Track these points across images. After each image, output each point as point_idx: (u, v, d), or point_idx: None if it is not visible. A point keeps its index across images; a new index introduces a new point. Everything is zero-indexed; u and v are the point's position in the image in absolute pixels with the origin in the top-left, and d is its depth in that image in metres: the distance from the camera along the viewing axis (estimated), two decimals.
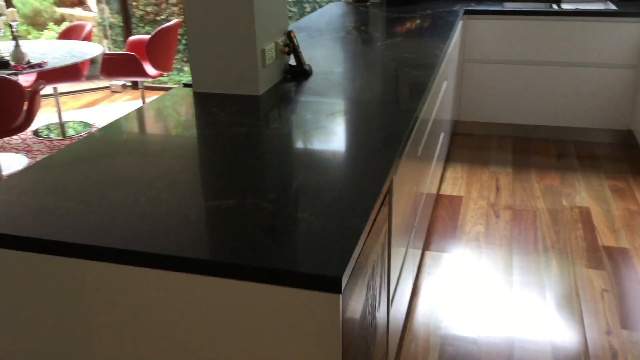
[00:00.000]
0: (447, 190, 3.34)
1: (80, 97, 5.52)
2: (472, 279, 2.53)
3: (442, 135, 3.08)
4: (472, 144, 4.01)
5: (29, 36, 6.32)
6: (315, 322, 1.10)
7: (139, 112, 1.92)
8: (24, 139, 4.39)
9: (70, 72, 4.09)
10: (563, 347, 2.13)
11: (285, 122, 1.78)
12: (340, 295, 1.07)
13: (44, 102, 5.36)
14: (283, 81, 2.21)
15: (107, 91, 5.65)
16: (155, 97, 1.74)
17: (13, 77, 3.13)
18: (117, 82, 5.53)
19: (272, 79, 2.16)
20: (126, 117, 1.87)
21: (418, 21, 3.37)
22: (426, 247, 2.78)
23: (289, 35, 2.22)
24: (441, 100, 2.80)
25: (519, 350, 2.12)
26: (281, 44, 2.18)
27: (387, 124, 1.75)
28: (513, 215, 3.05)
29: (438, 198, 3.25)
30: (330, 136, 1.66)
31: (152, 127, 1.79)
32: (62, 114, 4.84)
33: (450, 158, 3.77)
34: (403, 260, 1.98)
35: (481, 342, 2.16)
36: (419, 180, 2.19)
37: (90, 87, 5.69)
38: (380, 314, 1.61)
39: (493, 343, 2.15)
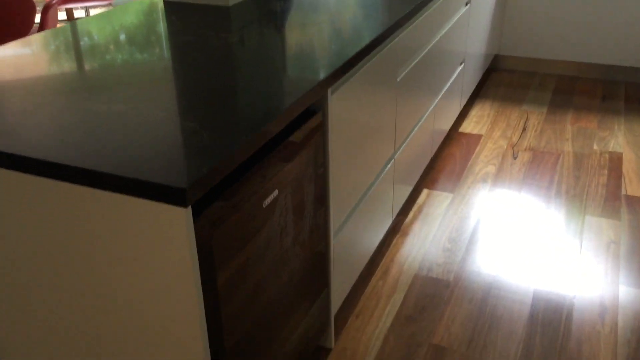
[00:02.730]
0: (467, 128, 3.11)
1: None
2: (466, 222, 2.35)
3: (460, 67, 2.84)
4: (511, 81, 3.70)
5: None
6: (165, 237, 1.01)
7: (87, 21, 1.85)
8: None
9: None
10: (545, 298, 1.95)
11: (240, 34, 1.66)
12: (186, 209, 0.97)
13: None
14: None
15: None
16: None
17: None
18: None
19: None
20: (82, 21, 1.80)
21: None
22: (428, 185, 2.61)
23: None
24: (454, 27, 2.55)
25: (494, 297, 1.96)
26: None
27: (350, 39, 1.59)
28: (532, 157, 2.80)
29: (454, 135, 3.03)
30: (280, 49, 1.53)
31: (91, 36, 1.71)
32: None
33: (480, 95, 3.50)
34: (365, 193, 1.84)
35: (454, 286, 2.01)
36: (403, 110, 2.02)
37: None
38: (317, 244, 1.50)
39: (467, 288, 2.00)
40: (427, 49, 2.21)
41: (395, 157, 2.06)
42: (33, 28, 3.27)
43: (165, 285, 1.06)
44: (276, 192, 1.28)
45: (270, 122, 1.16)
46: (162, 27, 1.77)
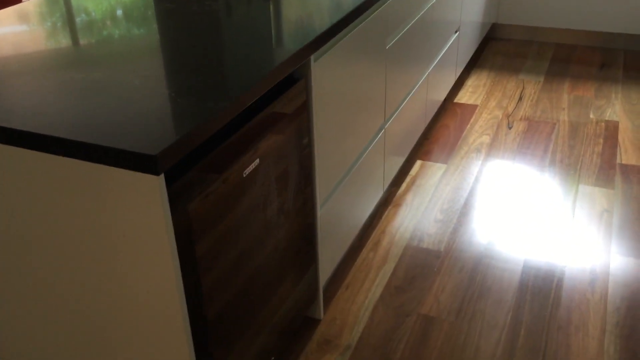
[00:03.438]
0: (462, 98, 3.07)
1: None
2: (459, 192, 2.34)
3: (455, 35, 2.79)
4: (508, 50, 3.65)
5: None
6: (139, 206, 1.00)
7: None
8: None
9: None
10: (536, 267, 1.94)
11: (223, 1, 1.62)
12: (159, 176, 0.95)
13: None
14: None
15: None
16: None
17: None
18: None
19: None
20: None
21: None
22: (421, 156, 2.59)
23: None
24: None
25: (484, 267, 1.96)
26: None
27: (337, 5, 1.56)
28: (528, 127, 2.78)
29: (449, 106, 3.00)
30: (264, 16, 1.49)
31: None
32: None
33: (477, 64, 3.46)
34: (354, 164, 1.82)
35: (445, 256, 2.01)
36: (393, 79, 1.99)
37: None
38: (303, 216, 1.49)
39: (458, 258, 2.00)
40: (419, 15, 2.17)
41: (386, 127, 2.04)
42: None
43: (142, 254, 1.05)
44: (257, 161, 1.26)
45: (248, 90, 1.14)
46: None
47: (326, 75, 1.51)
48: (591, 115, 2.86)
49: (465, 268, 1.95)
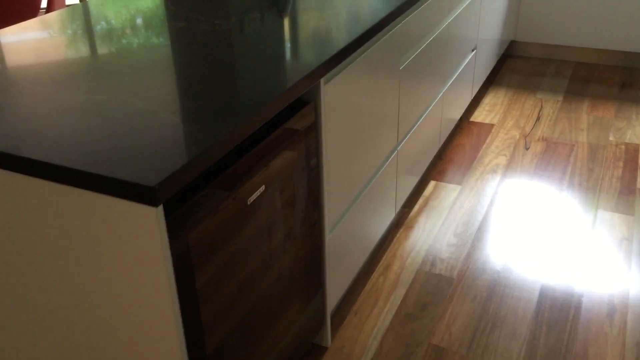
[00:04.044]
0: (479, 117, 3.02)
1: None
2: (474, 215, 2.28)
3: (472, 53, 2.74)
4: (527, 68, 3.59)
5: None
6: (138, 238, 0.96)
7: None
8: None
9: None
10: (552, 297, 1.87)
11: (234, 21, 1.59)
12: (157, 208, 0.91)
13: None
14: None
15: None
16: None
17: None
18: None
19: None
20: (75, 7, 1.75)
21: None
22: (435, 176, 2.54)
23: None
24: (464, 12, 2.46)
25: (499, 295, 1.89)
26: None
27: (349, 26, 1.52)
28: (546, 148, 2.71)
29: (465, 124, 2.94)
30: (274, 38, 1.46)
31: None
32: None
33: (495, 82, 3.40)
34: (365, 186, 1.77)
35: (458, 283, 1.94)
36: (407, 99, 1.94)
37: None
38: (311, 241, 1.44)
39: (471, 285, 1.93)
40: (434, 35, 2.13)
41: (399, 148, 1.99)
42: (40, 12, 3.23)
43: (141, 287, 1.01)
44: (262, 187, 1.22)
45: (253, 116, 1.10)
46: (156, 11, 1.71)
47: (337, 98, 1.47)
48: (611, 137, 2.78)
49: (478, 296, 1.89)
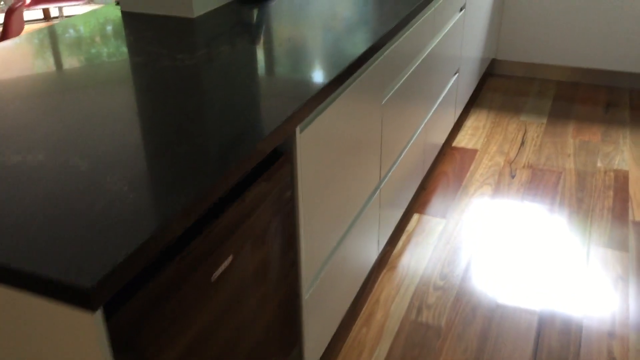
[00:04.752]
0: (462, 141, 2.89)
1: None
2: (460, 253, 2.14)
3: (455, 76, 2.61)
4: (509, 87, 3.48)
5: None
6: (74, 345, 0.79)
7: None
8: None
9: None
10: (548, 346, 1.74)
11: (198, 55, 1.42)
12: (95, 313, 0.74)
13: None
14: (238, 2, 1.83)
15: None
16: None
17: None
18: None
19: None
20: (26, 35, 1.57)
21: None
22: (418, 208, 2.40)
23: None
24: (449, 34, 2.33)
25: (491, 346, 1.75)
26: None
27: (325, 62, 1.37)
28: (532, 176, 2.59)
29: (447, 150, 2.81)
30: (242, 76, 1.30)
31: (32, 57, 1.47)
32: None
33: (476, 103, 3.28)
34: (344, 235, 1.62)
35: (447, 333, 1.80)
36: (389, 135, 1.79)
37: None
38: (286, 302, 1.28)
39: (460, 335, 1.79)
40: (417, 63, 1.99)
41: (381, 186, 1.84)
42: None
43: None
44: (230, 258, 1.06)
45: (215, 182, 0.94)
46: (112, 44, 1.54)
47: (313, 146, 1.31)
48: (599, 164, 2.68)
49: (469, 348, 1.74)
